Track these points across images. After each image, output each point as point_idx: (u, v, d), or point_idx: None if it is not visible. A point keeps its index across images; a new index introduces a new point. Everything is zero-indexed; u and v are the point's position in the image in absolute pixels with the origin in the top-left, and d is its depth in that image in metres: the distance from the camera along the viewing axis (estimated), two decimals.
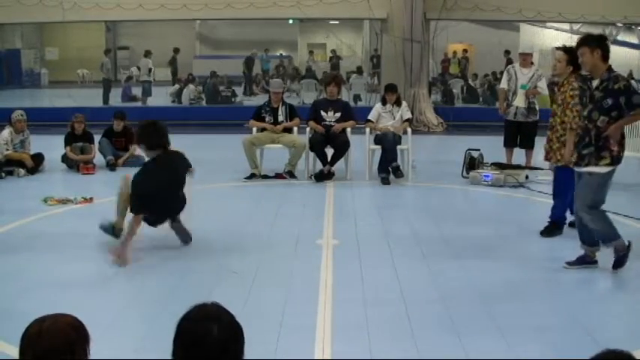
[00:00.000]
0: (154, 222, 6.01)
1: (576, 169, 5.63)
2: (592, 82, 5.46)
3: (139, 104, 19.87)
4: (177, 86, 21.24)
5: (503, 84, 10.09)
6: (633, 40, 28.13)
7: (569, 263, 5.66)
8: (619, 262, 5.53)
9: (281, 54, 32.08)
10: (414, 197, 8.95)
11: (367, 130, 9.71)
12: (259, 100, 19.70)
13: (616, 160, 5.42)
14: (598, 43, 5.39)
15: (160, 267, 5.68)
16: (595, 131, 5.40)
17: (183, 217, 6.15)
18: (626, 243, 5.51)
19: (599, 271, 5.57)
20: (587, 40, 5.46)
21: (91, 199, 8.06)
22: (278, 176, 9.48)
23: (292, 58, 32.14)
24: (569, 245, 6.32)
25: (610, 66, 5.42)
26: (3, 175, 9.47)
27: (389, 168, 9.25)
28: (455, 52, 27.21)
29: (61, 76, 29.27)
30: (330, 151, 9.48)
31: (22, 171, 9.64)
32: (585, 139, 5.48)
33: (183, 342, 2.01)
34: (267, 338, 4.08)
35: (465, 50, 27.42)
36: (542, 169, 9.84)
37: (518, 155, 10.14)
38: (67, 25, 26.67)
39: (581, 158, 5.52)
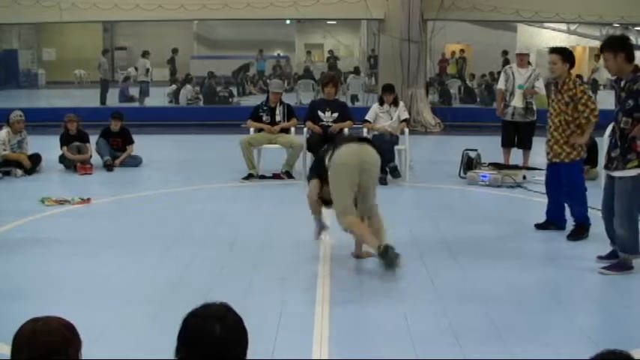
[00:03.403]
0: None
1: (606, 171, 5.58)
2: (621, 83, 5.39)
3: (136, 104, 19.84)
4: (174, 86, 21.22)
5: (501, 84, 10.11)
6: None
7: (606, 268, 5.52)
8: (615, 267, 5.47)
9: (278, 54, 32.07)
10: (412, 197, 8.96)
11: (365, 130, 9.71)
12: (253, 99, 19.72)
13: None
14: (620, 46, 5.33)
15: (159, 267, 5.69)
16: (620, 133, 5.36)
17: None
18: (633, 265, 5.42)
19: (599, 271, 5.57)
20: (609, 45, 5.39)
21: (88, 199, 8.04)
22: (275, 176, 9.48)
23: (290, 59, 32.14)
24: (569, 245, 6.36)
25: (636, 66, 5.32)
26: (0, 175, 9.47)
27: (386, 168, 9.24)
28: (453, 53, 27.20)
29: (59, 77, 29.19)
30: None
31: (19, 171, 9.63)
32: (613, 141, 5.44)
33: (186, 338, 2.01)
34: (265, 338, 4.08)
35: (463, 50, 27.42)
36: (539, 170, 9.86)
37: (516, 155, 10.16)
38: (65, 26, 26.62)
39: (610, 161, 5.46)
